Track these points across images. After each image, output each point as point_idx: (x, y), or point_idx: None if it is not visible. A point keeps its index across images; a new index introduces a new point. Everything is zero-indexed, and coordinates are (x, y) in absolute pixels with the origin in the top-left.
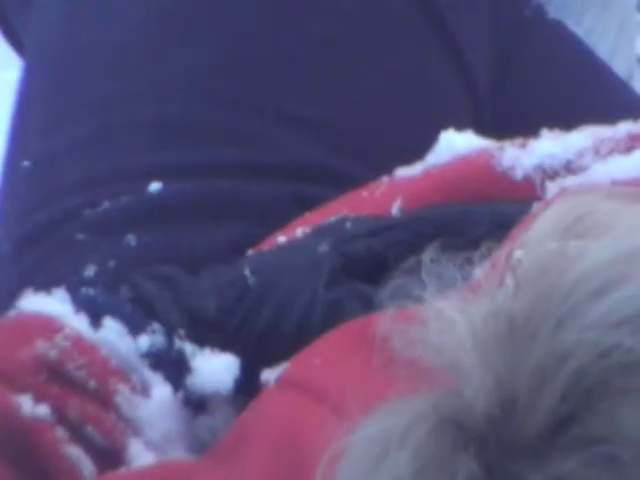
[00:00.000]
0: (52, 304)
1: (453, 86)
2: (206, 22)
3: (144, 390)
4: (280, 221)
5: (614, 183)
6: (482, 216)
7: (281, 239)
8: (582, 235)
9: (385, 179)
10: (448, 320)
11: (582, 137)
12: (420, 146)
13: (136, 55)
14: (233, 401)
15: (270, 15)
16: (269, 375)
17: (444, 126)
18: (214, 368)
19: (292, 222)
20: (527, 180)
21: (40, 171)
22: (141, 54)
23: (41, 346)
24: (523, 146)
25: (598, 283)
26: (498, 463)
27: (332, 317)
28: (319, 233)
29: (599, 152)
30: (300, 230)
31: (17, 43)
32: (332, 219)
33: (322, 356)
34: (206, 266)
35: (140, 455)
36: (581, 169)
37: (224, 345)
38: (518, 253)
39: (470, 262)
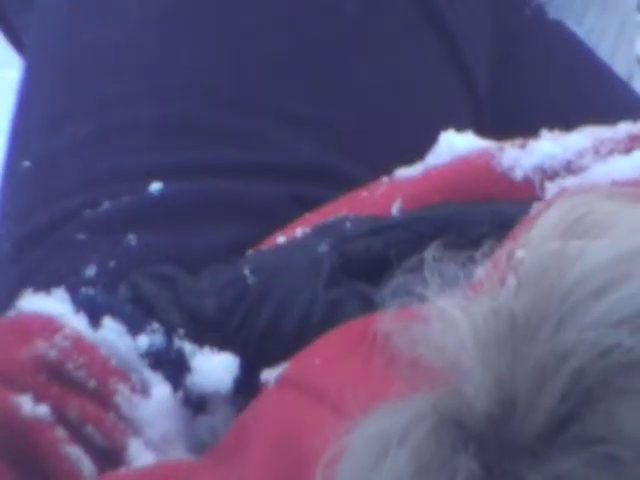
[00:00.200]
0: (52, 304)
1: (453, 86)
2: (206, 22)
3: (144, 390)
4: (280, 221)
5: (614, 183)
6: (482, 216)
7: (281, 239)
8: (583, 235)
9: (385, 179)
10: (450, 319)
11: (582, 137)
12: (420, 146)
13: (136, 55)
14: (233, 401)
15: (270, 15)
16: (269, 375)
17: (444, 126)
18: (214, 367)
19: (292, 222)
20: (527, 180)
21: (40, 171)
22: (141, 54)
23: (41, 346)
24: (523, 146)
25: (598, 283)
26: (498, 462)
27: (332, 317)
28: (319, 233)
29: (599, 152)
30: (300, 230)
31: (17, 42)
32: (332, 219)
33: (322, 356)
34: (206, 266)
35: (140, 455)
36: (581, 169)
37: (224, 345)
38: (519, 253)
39: (472, 261)
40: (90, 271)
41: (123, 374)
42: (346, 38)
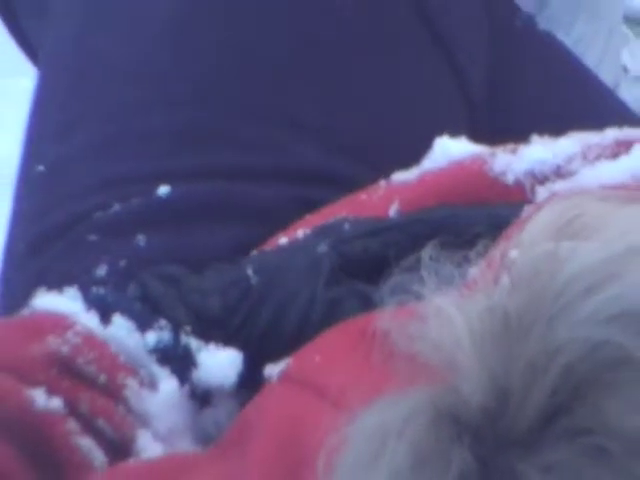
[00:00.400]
0: (64, 302)
1: (449, 89)
2: (214, 35)
3: (152, 384)
4: (283, 222)
5: (602, 187)
6: (477, 217)
7: (283, 240)
8: (573, 236)
9: (383, 183)
10: (446, 316)
11: (571, 143)
12: (418, 150)
13: (145, 65)
14: (237, 395)
15: (272, 25)
16: (271, 370)
17: (441, 129)
18: (218, 363)
19: (294, 223)
20: (518, 184)
21: (54, 175)
22: (150, 64)
23: (53, 342)
24: (514, 152)
25: (588, 282)
26: (492, 454)
27: (332, 315)
28: (319, 234)
29: (587, 157)
30: (301, 231)
31: (30, 51)
32: (331, 220)
33: (322, 352)
34: (211, 265)
35: (148, 446)
36: (570, 174)
37: (228, 341)
38: (513, 253)
39: (467, 260)
40: (101, 271)
41: (132, 369)
42: (345, 42)
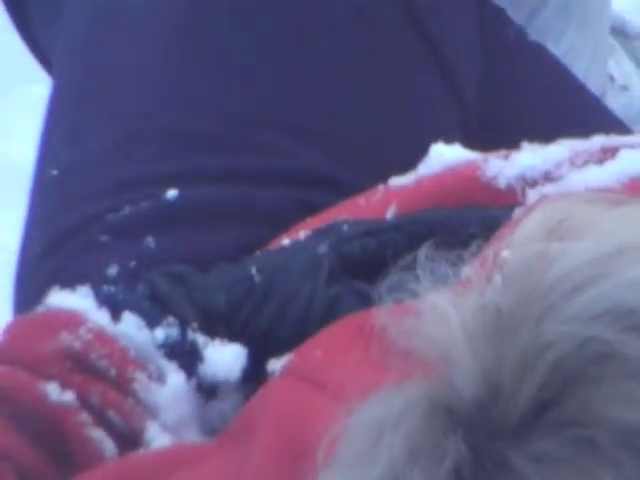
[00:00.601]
0: (76, 300)
1: (443, 97)
2: (221, 41)
3: (160, 378)
4: (285, 224)
5: (589, 190)
6: (471, 219)
7: (285, 241)
8: (563, 237)
9: (381, 187)
10: (441, 313)
11: (560, 149)
12: (414, 155)
13: (156, 71)
14: (241, 388)
15: (269, 31)
16: (274, 365)
17: (435, 136)
18: (224, 358)
19: (296, 225)
20: (510, 188)
21: (67, 179)
22: (160, 71)
23: (66, 338)
24: (506, 157)
25: (577, 281)
26: (484, 444)
27: (331, 312)
28: (319, 235)
29: (575, 163)
30: (302, 233)
31: (43, 58)
32: (331, 222)
33: (323, 348)
34: (216, 265)
35: (157, 437)
36: (559, 178)
37: (233, 337)
38: (505, 253)
39: (461, 260)
40: (112, 270)
41: (141, 364)
42: (340, 52)
